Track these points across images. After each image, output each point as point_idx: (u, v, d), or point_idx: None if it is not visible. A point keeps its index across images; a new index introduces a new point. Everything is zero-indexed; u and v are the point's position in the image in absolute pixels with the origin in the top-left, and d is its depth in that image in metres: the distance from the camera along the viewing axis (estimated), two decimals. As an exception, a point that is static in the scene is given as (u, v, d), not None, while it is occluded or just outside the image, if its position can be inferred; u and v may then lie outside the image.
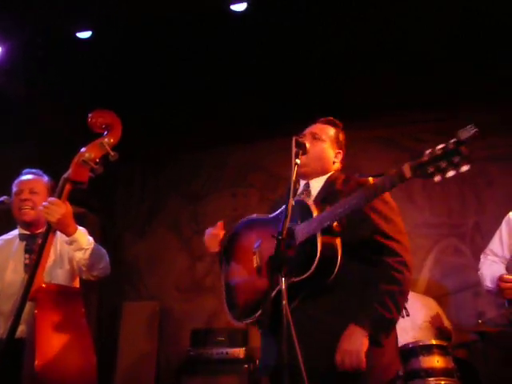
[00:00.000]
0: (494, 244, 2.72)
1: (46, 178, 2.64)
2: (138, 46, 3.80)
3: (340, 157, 2.16)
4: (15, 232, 2.63)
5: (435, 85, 4.32)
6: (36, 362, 1.92)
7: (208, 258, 5.10)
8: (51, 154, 3.84)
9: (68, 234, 2.22)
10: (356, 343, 1.71)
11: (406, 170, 1.52)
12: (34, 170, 2.65)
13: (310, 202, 1.85)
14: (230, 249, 2.15)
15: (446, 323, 3.60)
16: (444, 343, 3.18)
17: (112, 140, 2.15)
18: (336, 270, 1.74)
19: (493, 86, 4.24)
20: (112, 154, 2.14)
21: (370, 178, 1.83)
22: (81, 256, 2.28)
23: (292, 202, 1.72)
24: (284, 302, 1.53)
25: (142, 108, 4.47)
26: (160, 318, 4.87)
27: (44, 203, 2.14)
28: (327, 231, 1.74)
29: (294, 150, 1.87)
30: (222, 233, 2.17)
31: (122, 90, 4.23)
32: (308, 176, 2.09)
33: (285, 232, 1.64)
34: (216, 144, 5.21)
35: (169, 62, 4.02)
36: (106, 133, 2.17)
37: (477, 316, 4.10)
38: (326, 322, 1.79)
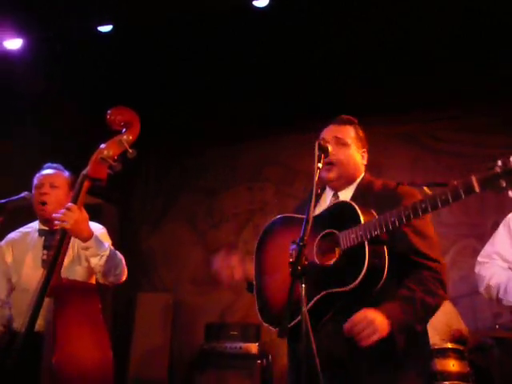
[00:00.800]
0: (504, 248, 2.43)
1: (66, 173, 2.64)
2: (159, 43, 3.80)
3: (366, 156, 2.02)
4: (34, 225, 2.64)
5: (453, 83, 4.28)
6: (54, 357, 1.94)
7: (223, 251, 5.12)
8: (68, 149, 3.86)
9: (83, 240, 2.22)
10: (377, 321, 1.58)
11: (475, 182, 1.38)
12: (54, 165, 2.65)
13: (357, 205, 1.70)
14: (263, 247, 2.01)
15: (462, 326, 3.56)
16: (460, 347, 3.16)
17: (131, 137, 2.13)
18: (382, 282, 1.62)
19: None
20: (130, 151, 2.13)
21: (426, 188, 1.76)
22: (96, 262, 2.28)
23: (313, 208, 1.67)
24: (304, 309, 1.49)
25: (158, 103, 4.48)
26: (174, 311, 4.90)
27: (60, 210, 2.13)
28: (375, 240, 1.61)
29: (316, 153, 1.79)
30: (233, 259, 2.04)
31: (139, 85, 4.26)
32: (337, 187, 1.96)
33: (306, 238, 1.58)
34: (232, 139, 5.21)
35: (184, 60, 4.02)
36: (124, 130, 2.16)
37: (493, 318, 4.05)
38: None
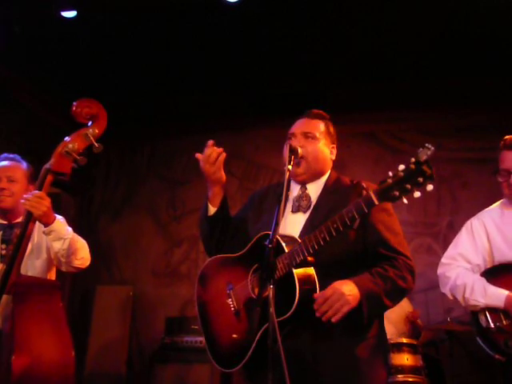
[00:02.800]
0: (467, 250, 2.47)
1: (24, 165, 2.53)
2: (120, 31, 3.72)
3: (335, 152, 2.02)
4: None
5: (416, 85, 4.38)
6: (13, 356, 1.88)
7: (184, 244, 5.10)
8: (34, 139, 3.73)
9: (47, 224, 2.17)
10: (347, 292, 1.63)
11: (373, 196, 1.52)
12: (11, 156, 2.52)
13: (280, 236, 1.73)
14: (202, 294, 2.00)
15: (418, 320, 3.69)
16: (414, 342, 3.28)
17: (97, 131, 2.09)
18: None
19: (475, 90, 4.33)
20: (96, 145, 2.08)
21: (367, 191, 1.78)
22: (59, 246, 2.22)
23: (282, 210, 1.69)
24: (271, 310, 1.50)
25: (122, 91, 4.39)
26: (133, 304, 4.84)
27: (27, 196, 2.07)
28: (301, 264, 1.67)
29: (287, 155, 1.82)
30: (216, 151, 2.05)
31: (103, 74, 4.15)
32: (305, 180, 1.96)
33: (274, 240, 1.61)
34: (196, 131, 5.14)
35: (151, 47, 3.95)
36: (90, 123, 2.10)
37: (445, 313, 4.23)
38: (321, 351, 1.71)
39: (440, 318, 4.18)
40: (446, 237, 4.48)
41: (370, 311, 1.68)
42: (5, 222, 2.46)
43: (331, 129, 2.02)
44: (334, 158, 2.02)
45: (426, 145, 1.43)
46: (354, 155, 4.70)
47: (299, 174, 1.92)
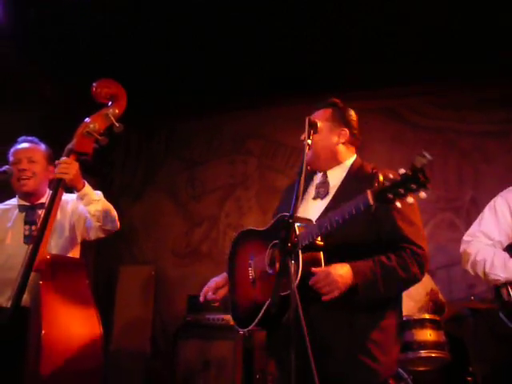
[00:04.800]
0: (489, 227, 2.50)
1: (43, 146, 2.58)
2: (134, 9, 3.68)
3: (346, 135, 2.03)
4: (13, 202, 2.58)
5: (437, 59, 4.28)
6: (43, 332, 1.94)
7: (205, 223, 5.14)
8: (52, 122, 3.76)
9: (79, 189, 2.23)
10: (339, 279, 1.69)
11: (370, 197, 1.56)
12: (30, 138, 2.57)
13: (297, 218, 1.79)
14: (231, 263, 2.17)
15: (440, 297, 3.67)
16: (436, 318, 3.26)
17: (117, 111, 2.11)
18: None
19: (494, 63, 4.21)
20: (117, 125, 2.11)
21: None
22: (94, 208, 2.26)
23: (303, 183, 1.72)
24: (293, 286, 1.55)
25: (140, 74, 4.37)
26: (156, 283, 4.92)
27: (56, 165, 2.14)
28: (310, 247, 1.74)
29: (306, 129, 1.83)
30: (218, 297, 2.15)
31: (120, 56, 4.14)
32: (319, 169, 2.04)
33: (295, 215, 1.66)
34: (214, 110, 5.15)
35: (166, 25, 3.91)
36: (110, 103, 2.12)
37: (467, 289, 4.20)
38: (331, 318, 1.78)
39: (462, 294, 4.15)
40: (468, 212, 4.42)
41: (363, 298, 1.74)
42: (27, 204, 2.52)
43: (342, 114, 2.05)
44: (342, 141, 2.03)
45: (424, 152, 1.42)
46: (372, 131, 4.63)
47: (308, 163, 1.94)
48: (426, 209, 4.49)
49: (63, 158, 2.15)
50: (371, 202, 1.55)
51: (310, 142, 1.82)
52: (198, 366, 4.09)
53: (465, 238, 2.60)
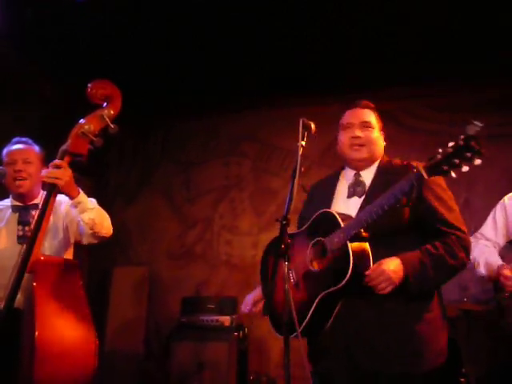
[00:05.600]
0: (487, 229, 2.72)
1: (37, 148, 2.56)
2: (133, 9, 3.68)
3: (383, 138, 2.14)
4: (6, 202, 2.57)
5: (437, 59, 4.29)
6: (36, 333, 1.92)
7: (199, 225, 5.14)
8: (52, 122, 3.75)
9: (73, 197, 2.19)
10: (393, 274, 1.73)
11: (423, 171, 1.60)
12: (24, 139, 2.55)
13: (336, 212, 1.88)
14: (266, 268, 2.15)
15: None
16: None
17: (112, 112, 2.10)
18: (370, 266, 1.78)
19: (494, 63, 4.23)
20: (112, 126, 2.10)
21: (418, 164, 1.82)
22: (88, 217, 2.24)
23: (297, 184, 1.75)
24: (286, 286, 1.61)
25: (133, 73, 4.37)
26: (150, 284, 4.91)
27: (49, 167, 2.10)
28: (356, 238, 1.77)
29: (300, 131, 1.86)
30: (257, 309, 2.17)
31: (117, 55, 4.14)
32: (362, 167, 2.06)
33: (289, 216, 1.69)
34: (210, 112, 5.15)
35: (166, 25, 3.90)
36: (105, 104, 2.11)
37: (460, 291, 4.22)
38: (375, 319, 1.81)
39: (455, 296, 4.17)
40: (461, 214, 4.43)
41: (416, 288, 1.77)
42: (20, 204, 2.50)
43: (379, 116, 2.14)
44: (384, 143, 2.12)
45: (474, 121, 1.51)
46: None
47: (362, 160, 2.02)
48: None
49: (55, 161, 2.11)
50: (425, 175, 1.59)
51: (303, 143, 1.85)
52: (191, 368, 4.08)
53: (471, 238, 2.78)
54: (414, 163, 1.77)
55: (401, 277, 1.75)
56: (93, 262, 4.98)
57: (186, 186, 5.28)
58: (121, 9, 3.67)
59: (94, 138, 2.08)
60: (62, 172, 2.08)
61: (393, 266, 1.75)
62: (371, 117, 2.08)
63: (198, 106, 5.02)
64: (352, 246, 1.76)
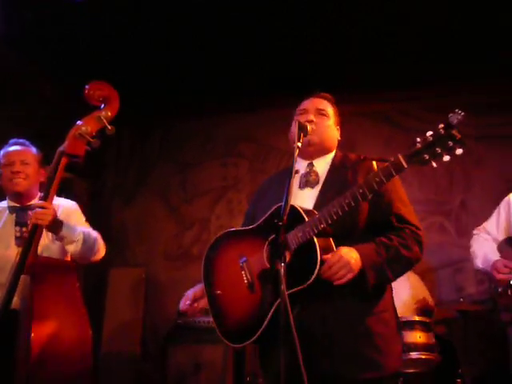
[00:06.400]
0: (490, 224, 2.77)
1: (34, 149, 2.58)
2: (133, 9, 3.68)
3: (339, 133, 2.10)
4: (3, 204, 2.58)
5: (437, 59, 4.31)
6: (33, 334, 1.93)
7: (196, 226, 5.14)
8: (52, 122, 3.75)
9: (57, 233, 2.25)
10: (352, 261, 1.65)
11: (402, 159, 1.54)
12: (21, 140, 2.57)
13: (299, 206, 1.76)
14: (210, 267, 2.00)
15: (429, 299, 3.70)
16: (426, 319, 3.29)
17: (109, 113, 2.11)
18: None
19: (494, 63, 4.25)
20: (109, 127, 2.11)
21: (374, 163, 1.80)
22: (73, 248, 2.31)
23: (292, 185, 1.68)
24: (283, 288, 1.49)
25: (132, 73, 4.37)
26: (146, 285, 4.91)
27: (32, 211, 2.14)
28: (322, 233, 1.68)
29: (296, 132, 1.83)
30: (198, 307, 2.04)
31: (117, 55, 4.14)
32: (313, 155, 1.98)
33: (285, 217, 1.60)
34: (207, 113, 5.15)
35: (166, 25, 3.90)
36: (103, 106, 2.12)
37: (457, 292, 4.24)
38: (338, 320, 1.72)
39: (452, 296, 4.20)
40: (458, 215, 4.46)
41: (373, 280, 1.70)
42: (17, 205, 2.51)
43: (337, 112, 2.10)
44: (339, 138, 2.08)
45: (457, 110, 1.46)
46: (365, 135, 4.67)
47: (311, 144, 1.93)
48: (416, 212, 4.51)
49: (38, 202, 2.16)
50: (404, 164, 1.54)
51: (299, 144, 1.80)
52: (188, 369, 4.08)
53: (473, 231, 2.90)
54: (372, 157, 1.76)
55: (359, 266, 1.67)
56: (89, 264, 4.97)
57: (182, 187, 5.28)
58: (121, 9, 3.66)
59: (91, 140, 2.09)
60: (45, 212, 2.11)
61: (352, 253, 1.67)
62: (327, 107, 2.04)
63: (197, 107, 5.02)
64: (318, 241, 1.66)
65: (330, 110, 2.04)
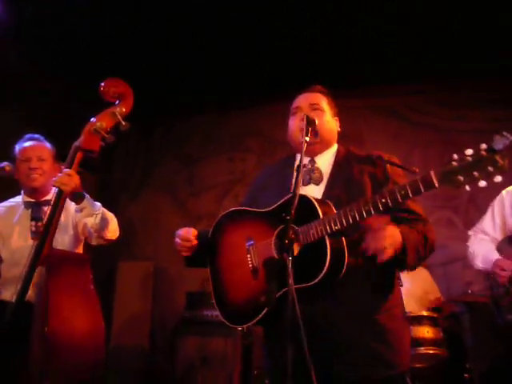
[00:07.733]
0: (485, 223, 2.75)
1: (49, 145, 2.60)
2: (133, 9, 3.69)
3: (338, 124, 2.03)
4: (17, 199, 2.60)
5: (437, 59, 4.30)
6: (48, 325, 1.96)
7: (203, 220, 5.16)
8: (53, 122, 3.78)
9: (77, 203, 2.25)
10: (393, 236, 1.60)
11: (434, 177, 1.40)
12: (36, 136, 2.59)
13: (314, 199, 1.69)
14: (215, 243, 1.95)
15: (437, 294, 3.71)
16: (434, 315, 3.30)
17: (124, 109, 2.14)
18: (344, 269, 1.63)
19: (494, 63, 4.24)
20: (124, 123, 2.13)
21: (388, 166, 1.78)
22: (92, 221, 2.31)
23: (301, 181, 1.67)
24: (290, 281, 1.45)
25: (140, 72, 4.38)
26: (154, 279, 4.94)
27: (59, 174, 2.14)
28: (335, 234, 1.61)
29: (304, 127, 1.80)
30: (194, 241, 1.93)
31: (117, 55, 4.16)
32: (314, 151, 1.93)
33: (293, 212, 1.56)
34: (214, 108, 5.16)
35: (166, 25, 3.92)
36: (117, 102, 2.14)
37: (465, 286, 4.24)
38: (343, 319, 1.69)
39: (460, 291, 4.19)
40: (466, 210, 4.46)
41: (412, 260, 1.66)
42: (33, 200, 2.54)
43: (332, 102, 2.04)
44: (339, 129, 2.03)
45: (504, 133, 1.28)
46: (372, 129, 4.66)
47: (311, 143, 1.86)
48: (424, 206, 4.51)
49: (65, 170, 2.17)
50: (436, 184, 1.39)
51: (307, 138, 1.78)
52: (196, 362, 4.12)
53: (469, 232, 2.89)
54: (385, 156, 1.73)
55: (400, 242, 1.60)
56: (98, 257, 4.99)
57: (189, 182, 5.30)
58: (121, 9, 3.68)
59: (106, 135, 2.12)
60: (69, 179, 2.14)
61: (397, 233, 1.60)
62: (321, 100, 1.97)
63: (200, 104, 5.06)
64: (330, 242, 1.60)
65: (323, 103, 1.98)
